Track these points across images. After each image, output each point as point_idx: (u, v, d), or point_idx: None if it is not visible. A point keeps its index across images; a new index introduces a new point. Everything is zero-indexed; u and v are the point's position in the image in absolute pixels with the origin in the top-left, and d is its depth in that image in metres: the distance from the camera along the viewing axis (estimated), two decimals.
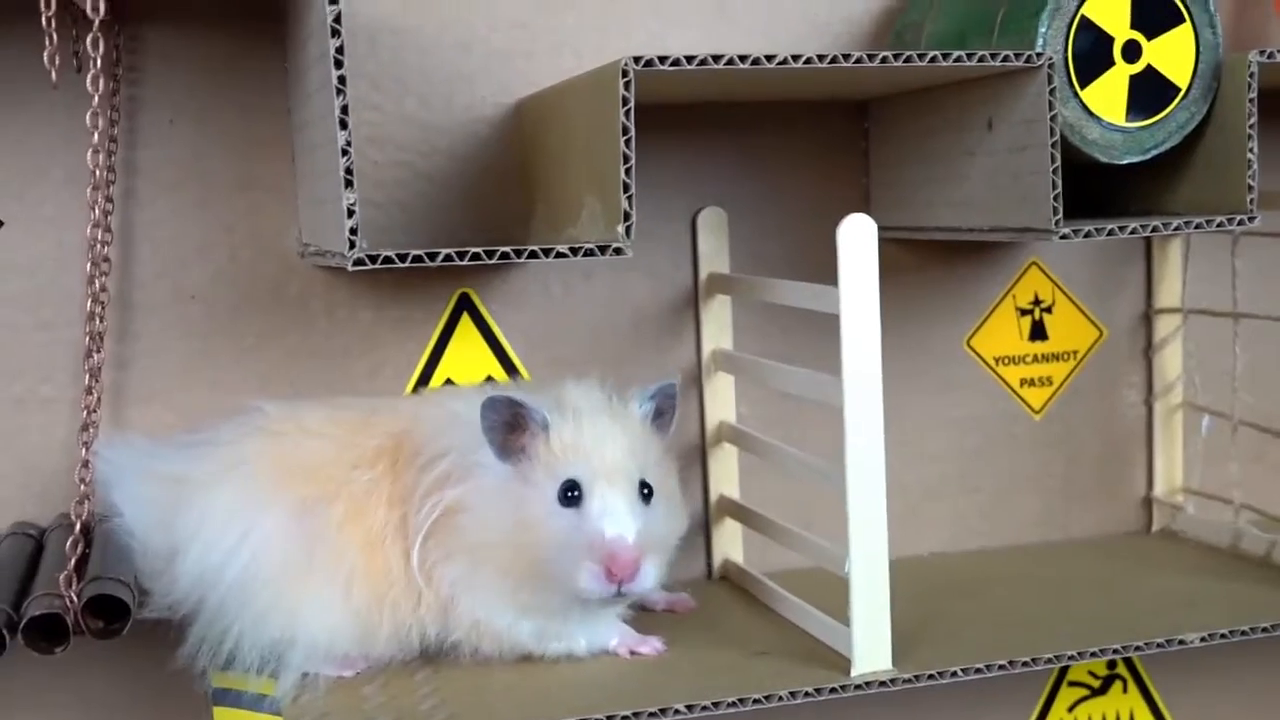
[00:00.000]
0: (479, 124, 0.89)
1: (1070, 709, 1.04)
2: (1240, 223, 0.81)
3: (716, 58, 0.72)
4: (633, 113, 0.71)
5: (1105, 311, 1.03)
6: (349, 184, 0.68)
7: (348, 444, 0.77)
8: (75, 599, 0.71)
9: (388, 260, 0.69)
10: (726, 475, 0.94)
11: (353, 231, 0.68)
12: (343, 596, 0.75)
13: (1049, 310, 1.01)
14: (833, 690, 0.75)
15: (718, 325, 0.94)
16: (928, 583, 0.94)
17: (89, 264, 0.80)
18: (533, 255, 0.71)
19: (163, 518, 0.76)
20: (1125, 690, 1.05)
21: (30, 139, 0.83)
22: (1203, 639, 0.82)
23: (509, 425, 0.75)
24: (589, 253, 0.71)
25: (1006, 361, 1.01)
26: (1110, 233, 0.79)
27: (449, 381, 0.90)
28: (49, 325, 0.84)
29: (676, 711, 0.73)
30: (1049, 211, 0.77)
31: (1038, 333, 1.01)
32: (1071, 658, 0.79)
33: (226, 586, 0.74)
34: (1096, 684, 1.04)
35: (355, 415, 0.79)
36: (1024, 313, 1.01)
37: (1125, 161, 0.82)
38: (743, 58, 0.72)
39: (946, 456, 1.00)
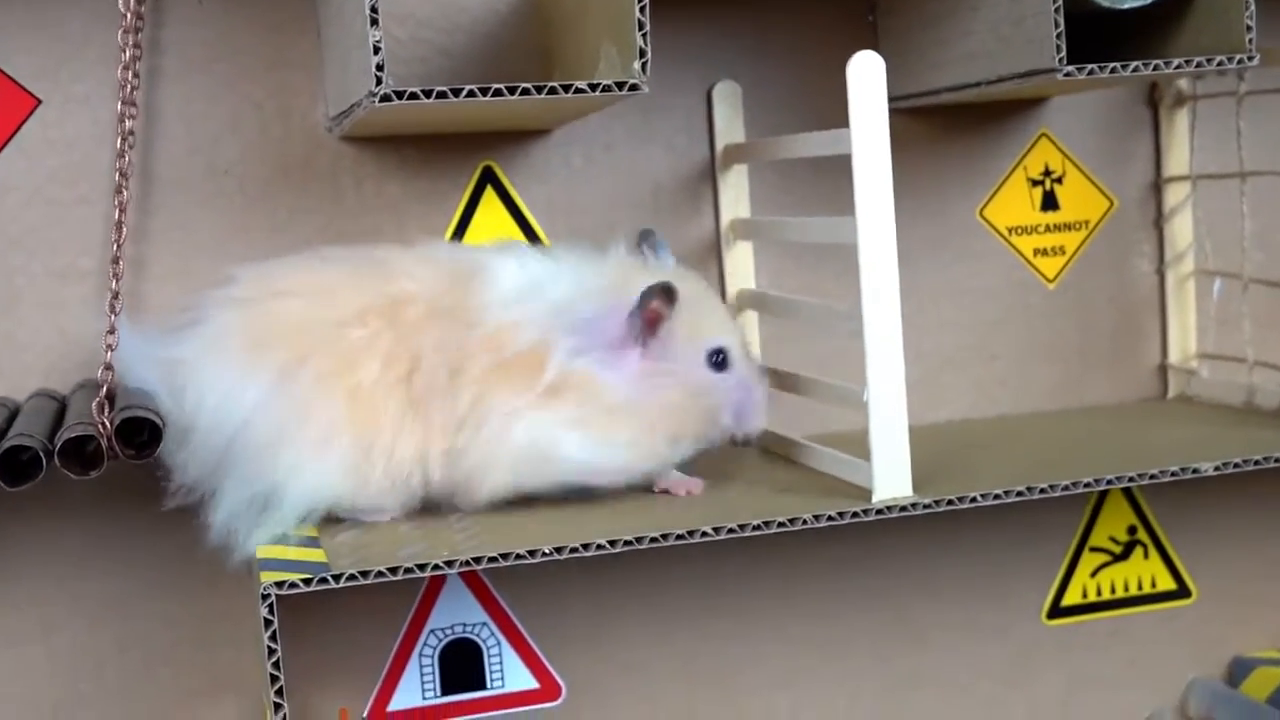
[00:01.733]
0: (499, 0, 0.92)
1: (1093, 574, 1.05)
2: (1240, 62, 0.83)
3: None
4: None
5: (1115, 181, 1.05)
6: (374, 21, 0.71)
7: (327, 302, 0.79)
8: (107, 424, 0.74)
9: (413, 96, 0.71)
10: (748, 341, 0.97)
11: (379, 68, 0.71)
12: (325, 449, 0.77)
13: (1059, 181, 1.03)
14: (854, 515, 0.77)
15: (735, 194, 0.96)
16: (947, 442, 0.96)
17: (117, 139, 0.83)
18: (551, 91, 0.73)
19: (169, 402, 0.78)
20: (1146, 556, 1.06)
21: (64, 19, 0.86)
22: (1216, 468, 0.83)
23: (651, 316, 0.79)
24: (606, 89, 0.74)
25: (1019, 231, 1.03)
26: (1113, 70, 0.81)
27: None
28: (86, 200, 0.87)
29: (704, 534, 0.75)
30: (1053, 51, 0.80)
31: (1049, 203, 1.03)
32: (1088, 485, 0.81)
33: (230, 458, 0.77)
34: (1118, 549, 1.06)
35: (336, 272, 0.80)
36: (1035, 183, 1.03)
37: (1127, 6, 0.84)
38: None
39: (963, 326, 1.02)
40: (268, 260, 0.83)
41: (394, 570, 0.72)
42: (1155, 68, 0.82)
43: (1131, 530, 1.06)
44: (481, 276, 0.81)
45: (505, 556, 0.73)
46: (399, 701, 0.93)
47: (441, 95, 0.72)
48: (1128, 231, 1.05)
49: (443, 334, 0.79)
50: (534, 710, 0.96)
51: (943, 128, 1.01)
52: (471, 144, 0.92)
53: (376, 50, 0.71)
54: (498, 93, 0.73)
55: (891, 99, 0.95)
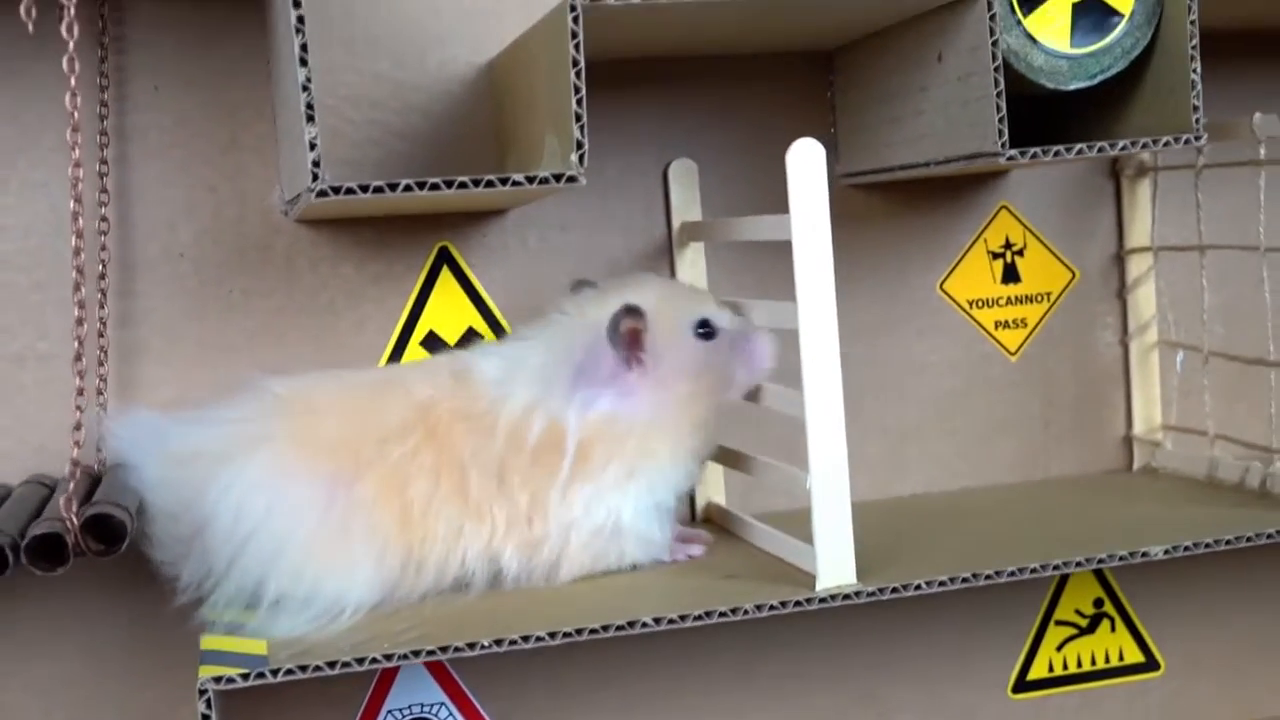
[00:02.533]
0: (452, 83, 0.93)
1: (1059, 648, 1.05)
2: (1186, 141, 0.83)
3: None
4: (582, 46, 0.74)
5: (1077, 253, 1.05)
6: (310, 119, 0.71)
7: (366, 421, 0.80)
8: (75, 520, 0.74)
9: (350, 190, 0.72)
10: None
11: (315, 164, 0.71)
12: (375, 566, 0.78)
13: (1020, 253, 1.03)
14: (797, 604, 0.77)
15: (692, 273, 0.96)
16: (906, 518, 0.96)
17: (73, 231, 0.82)
18: (489, 184, 0.74)
19: (185, 495, 0.79)
20: (1113, 629, 1.06)
21: (22, 107, 0.87)
22: (1166, 551, 0.83)
23: (630, 337, 0.81)
24: (544, 180, 0.74)
25: (980, 304, 1.03)
26: (1056, 154, 0.82)
27: (432, 334, 0.93)
28: (43, 286, 0.87)
29: (644, 625, 0.75)
30: (995, 135, 0.80)
31: (1010, 275, 1.03)
32: (1034, 570, 0.81)
33: (255, 553, 0.77)
34: (1084, 622, 1.05)
35: (365, 390, 0.82)
36: (996, 256, 1.03)
37: (1072, 87, 0.84)
38: None
39: (924, 399, 1.02)
40: (293, 375, 0.84)
41: (331, 665, 0.72)
42: (1100, 149, 0.82)
43: (1098, 603, 1.05)
44: (472, 375, 0.82)
45: (444, 649, 0.73)
46: None
47: (378, 190, 0.72)
48: (1090, 303, 1.05)
49: (473, 441, 0.80)
50: None
51: (902, 202, 1.01)
52: (427, 225, 0.93)
53: (313, 147, 0.71)
54: (434, 186, 0.73)
55: (850, 175, 0.97)
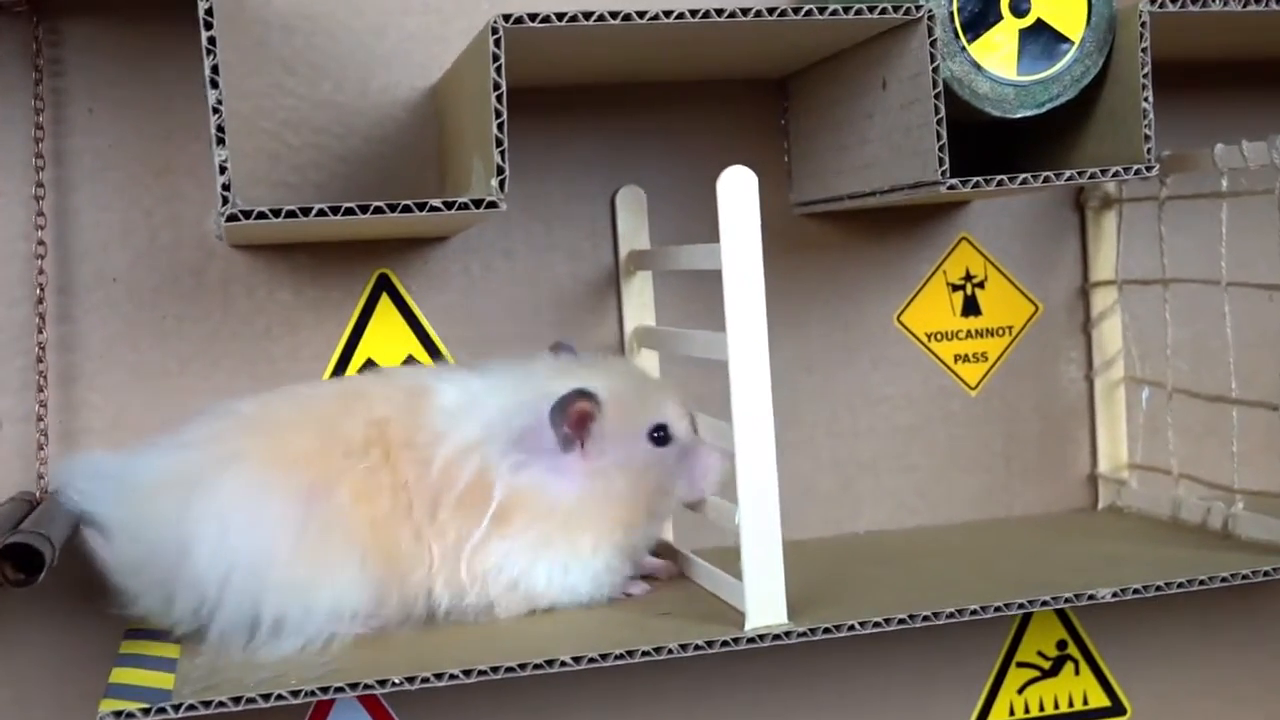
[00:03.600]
0: (395, 107, 0.91)
1: (1020, 691, 1.02)
2: (1137, 172, 0.81)
3: (587, 14, 0.73)
4: (503, 69, 0.72)
5: (1040, 286, 1.02)
6: (220, 141, 0.70)
7: (330, 434, 0.79)
8: None
9: (261, 215, 0.70)
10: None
11: (225, 188, 0.70)
12: (359, 568, 0.77)
13: (981, 285, 1.01)
14: (724, 644, 0.75)
15: (639, 302, 0.94)
16: (857, 556, 0.93)
17: None
18: (405, 209, 0.72)
19: (162, 525, 0.77)
20: (1077, 672, 1.03)
21: None
22: (1114, 594, 0.80)
23: (577, 420, 0.79)
24: (463, 206, 0.72)
25: (939, 337, 1.00)
26: (999, 183, 0.79)
27: (370, 361, 0.92)
28: None
29: (563, 664, 0.73)
30: (935, 164, 0.78)
31: (970, 308, 1.01)
32: (974, 612, 0.78)
33: (244, 570, 0.76)
34: (1046, 665, 1.02)
35: (329, 404, 0.81)
36: (955, 288, 1.01)
37: (1019, 115, 0.82)
38: (614, 14, 0.74)
39: (880, 434, 1.00)
40: (254, 394, 0.83)
41: (236, 700, 0.70)
42: (1045, 179, 0.80)
43: (1061, 645, 1.03)
44: (427, 399, 0.81)
45: (354, 686, 0.71)
46: None
47: (290, 214, 0.71)
48: (1054, 337, 1.02)
49: (415, 468, 0.79)
50: None
51: (859, 232, 0.99)
52: (367, 251, 0.91)
53: (223, 170, 0.70)
54: (349, 211, 0.71)
55: (803, 204, 0.95)
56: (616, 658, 0.74)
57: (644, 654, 0.74)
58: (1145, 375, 1.00)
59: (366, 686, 0.71)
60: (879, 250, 0.99)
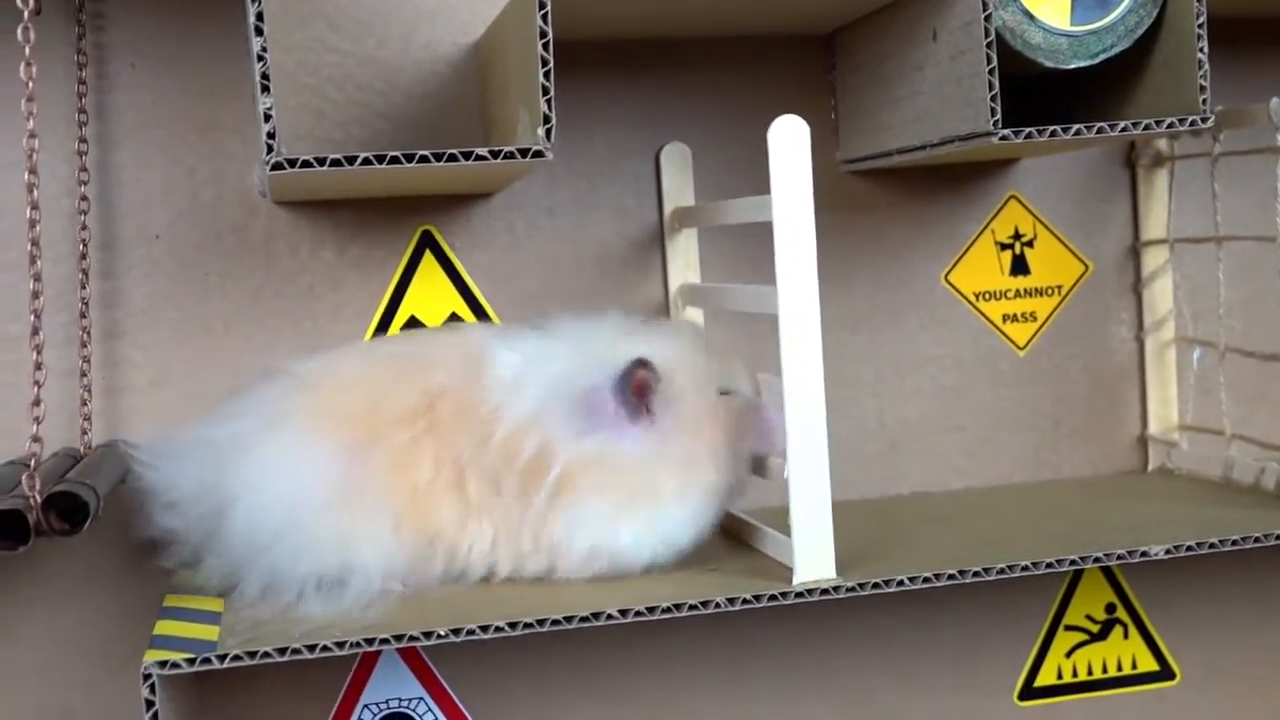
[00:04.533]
0: (438, 63, 0.90)
1: (1068, 654, 1.01)
2: (1192, 124, 0.79)
3: None
4: (550, 18, 0.71)
5: (1090, 245, 1.01)
6: (265, 89, 0.69)
7: (383, 397, 0.78)
8: (37, 498, 0.72)
9: (306, 163, 0.70)
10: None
11: (270, 135, 0.69)
12: (392, 531, 0.77)
13: (1030, 244, 1.00)
14: (772, 598, 0.74)
15: (684, 260, 0.94)
16: (904, 516, 0.92)
17: (28, 204, 0.80)
18: (451, 159, 0.71)
19: (208, 479, 0.78)
20: (1126, 636, 1.01)
21: None
22: (1168, 551, 0.79)
23: (639, 389, 0.77)
24: (509, 155, 0.72)
25: (987, 297, 0.99)
26: (1053, 134, 0.78)
27: (414, 319, 0.91)
28: (13, 267, 0.86)
29: (609, 616, 0.72)
30: (987, 114, 0.76)
31: (1019, 267, 1.00)
32: (1025, 568, 0.77)
33: (279, 523, 0.76)
34: (1095, 629, 1.01)
35: (387, 368, 0.80)
36: (1004, 247, 0.99)
37: (1072, 66, 0.81)
38: None
39: (928, 394, 0.98)
40: (315, 353, 0.83)
41: (281, 651, 0.69)
42: (1099, 130, 0.79)
43: (1110, 608, 1.01)
44: (487, 366, 0.79)
45: (399, 638, 0.71)
46: None
47: (335, 163, 0.70)
48: (1105, 297, 1.01)
49: (473, 442, 0.78)
50: None
51: (906, 191, 0.97)
52: (410, 208, 0.91)
53: (267, 118, 0.69)
54: (394, 160, 0.71)
55: (851, 161, 0.94)
56: (664, 611, 0.73)
57: (691, 608, 0.73)
58: (1197, 335, 0.98)
59: (411, 639, 0.71)
60: (926, 209, 0.98)
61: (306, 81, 0.88)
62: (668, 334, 0.82)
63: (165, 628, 0.74)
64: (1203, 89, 0.79)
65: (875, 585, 0.75)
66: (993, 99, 0.76)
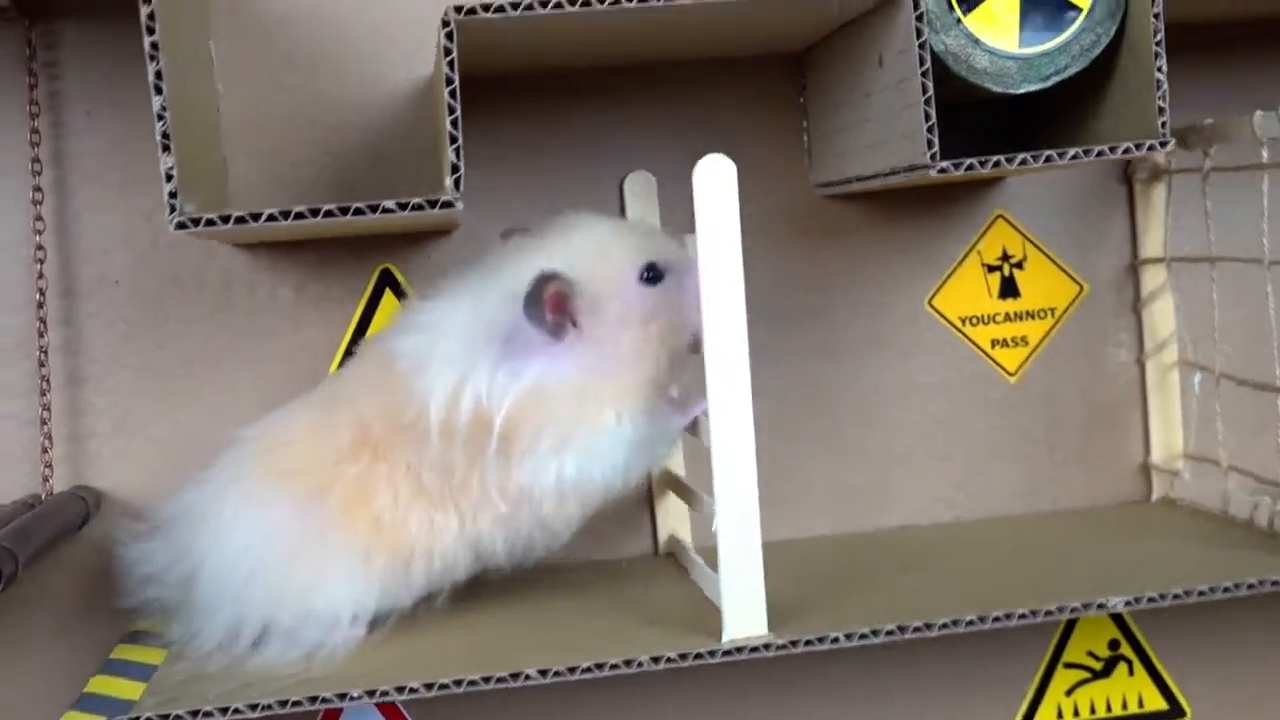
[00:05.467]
0: (394, 100, 0.89)
1: (1069, 693, 0.97)
2: (1150, 148, 0.75)
3: (544, 2, 0.70)
4: (455, 64, 0.70)
5: (1086, 265, 0.96)
6: (165, 148, 0.69)
7: (322, 443, 0.78)
8: None
9: (210, 222, 0.69)
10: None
11: (172, 195, 0.69)
12: (363, 564, 0.76)
13: (1020, 266, 0.95)
14: (697, 656, 0.72)
15: None
16: (885, 552, 0.89)
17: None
18: (358, 212, 0.70)
19: (178, 548, 0.79)
20: (1131, 673, 0.97)
21: None
22: (1128, 603, 0.75)
23: (555, 305, 0.75)
24: (417, 207, 0.70)
25: (974, 321, 0.95)
26: (996, 164, 0.74)
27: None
28: None
29: (527, 677, 0.71)
30: (924, 146, 0.73)
31: (1008, 290, 0.95)
32: (996, 619, 0.74)
33: (242, 578, 0.76)
34: (1097, 666, 0.97)
35: (321, 413, 0.79)
36: (992, 269, 0.95)
37: (1023, 90, 0.77)
38: (572, 0, 0.70)
39: (913, 424, 0.95)
40: (275, 398, 0.83)
41: (194, 714, 0.69)
42: (1047, 159, 0.75)
43: (1113, 645, 0.97)
44: (393, 366, 0.77)
45: (313, 700, 0.70)
46: None
47: (240, 220, 0.69)
48: (1102, 318, 0.96)
49: (414, 447, 0.76)
50: None
51: (884, 212, 0.94)
52: (370, 246, 0.90)
53: (169, 178, 0.69)
54: (300, 215, 0.70)
55: (821, 185, 0.91)
56: (584, 671, 0.71)
57: (613, 666, 0.71)
58: (1197, 359, 0.93)
59: (324, 700, 0.70)
60: (907, 231, 0.94)
61: (262, 123, 0.88)
62: (562, 238, 0.78)
63: (96, 684, 0.75)
64: (1161, 110, 0.75)
65: (808, 643, 0.73)
66: (929, 130, 0.73)
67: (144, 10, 0.68)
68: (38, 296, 0.86)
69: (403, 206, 0.70)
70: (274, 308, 0.89)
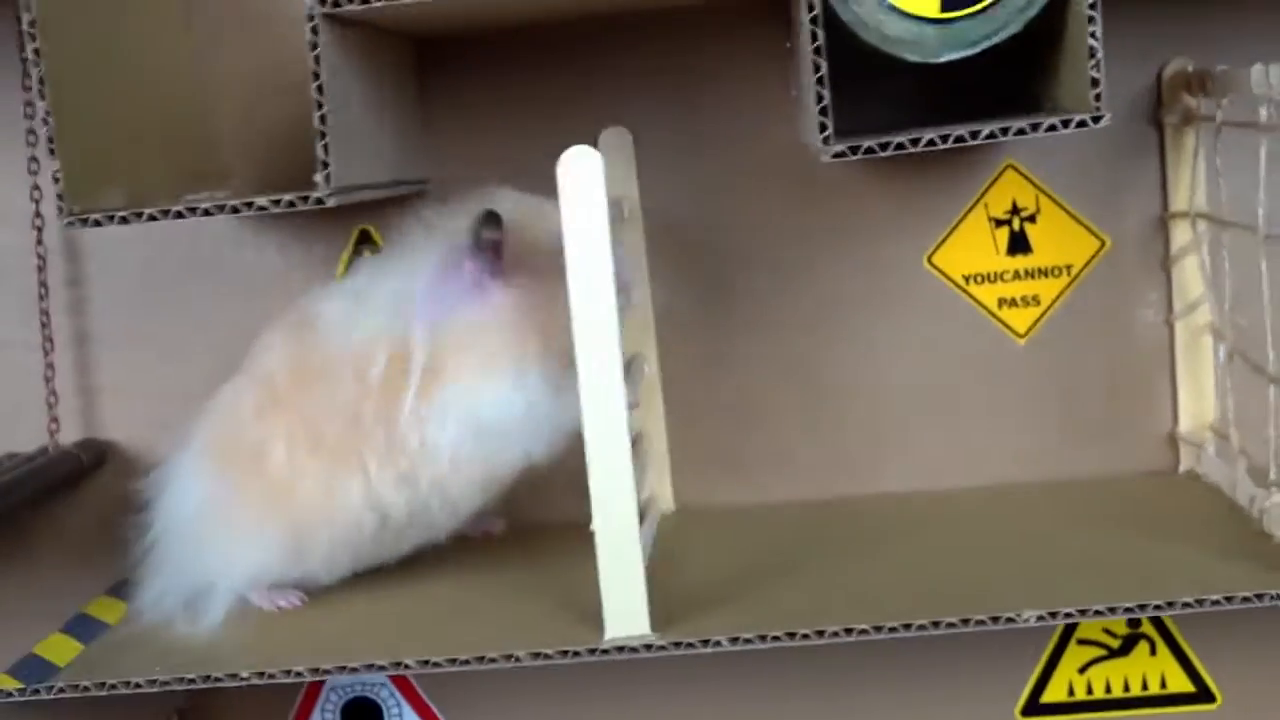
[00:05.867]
0: None
1: (1081, 670, 0.91)
2: (1081, 124, 0.67)
3: None
4: (321, 59, 0.69)
5: (1108, 218, 0.88)
6: (51, 152, 0.71)
7: (235, 409, 0.81)
8: None
9: (96, 222, 0.71)
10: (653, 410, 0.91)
11: (59, 198, 0.71)
12: (258, 547, 0.79)
13: (1031, 220, 0.88)
14: (575, 654, 0.71)
15: (632, 254, 0.89)
16: (864, 524, 0.86)
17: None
18: (234, 210, 0.71)
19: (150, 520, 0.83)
20: (1154, 652, 0.91)
21: None
22: (1128, 610, 0.70)
23: (491, 246, 0.76)
24: (289, 204, 0.70)
25: (980, 280, 0.89)
26: (900, 146, 0.69)
27: None
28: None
29: (406, 666, 0.72)
30: (816, 127, 0.68)
31: (1018, 245, 0.88)
32: (920, 627, 0.70)
33: (177, 550, 0.81)
34: (1115, 644, 0.91)
35: (237, 383, 0.82)
36: (1000, 223, 0.88)
37: (946, 58, 0.70)
38: None
39: (912, 386, 0.90)
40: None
41: (100, 686, 0.73)
42: (958, 140, 0.68)
43: (1133, 622, 0.91)
44: (315, 325, 0.80)
45: (206, 679, 0.73)
46: None
47: (124, 220, 0.71)
48: (1126, 276, 0.88)
49: (319, 395, 0.78)
50: None
51: (881, 165, 0.88)
52: (349, 211, 0.90)
53: (56, 180, 0.71)
54: (178, 214, 0.71)
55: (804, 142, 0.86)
56: (462, 663, 0.72)
57: (490, 660, 0.72)
58: (1220, 323, 0.85)
59: (216, 679, 0.73)
60: (906, 182, 0.88)
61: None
62: (498, 198, 0.79)
63: (44, 647, 0.79)
64: (1095, 82, 0.67)
65: (689, 645, 0.71)
66: (821, 111, 0.68)
67: (25, 17, 0.70)
68: (38, 262, 0.91)
69: (275, 203, 0.71)
70: (260, 272, 0.92)
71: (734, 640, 0.71)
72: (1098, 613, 0.70)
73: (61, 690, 0.73)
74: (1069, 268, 0.88)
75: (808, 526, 0.87)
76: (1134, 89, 0.86)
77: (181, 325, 0.92)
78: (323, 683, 0.95)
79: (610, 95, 0.89)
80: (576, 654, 0.71)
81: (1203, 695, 0.91)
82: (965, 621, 0.70)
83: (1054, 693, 0.92)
